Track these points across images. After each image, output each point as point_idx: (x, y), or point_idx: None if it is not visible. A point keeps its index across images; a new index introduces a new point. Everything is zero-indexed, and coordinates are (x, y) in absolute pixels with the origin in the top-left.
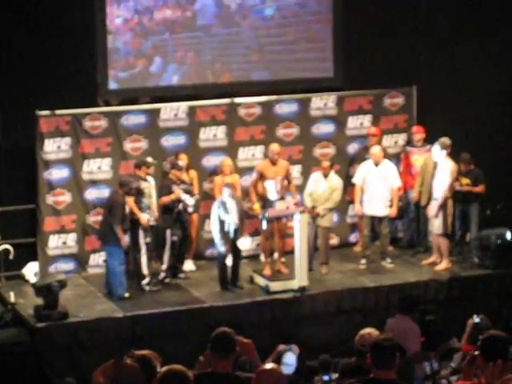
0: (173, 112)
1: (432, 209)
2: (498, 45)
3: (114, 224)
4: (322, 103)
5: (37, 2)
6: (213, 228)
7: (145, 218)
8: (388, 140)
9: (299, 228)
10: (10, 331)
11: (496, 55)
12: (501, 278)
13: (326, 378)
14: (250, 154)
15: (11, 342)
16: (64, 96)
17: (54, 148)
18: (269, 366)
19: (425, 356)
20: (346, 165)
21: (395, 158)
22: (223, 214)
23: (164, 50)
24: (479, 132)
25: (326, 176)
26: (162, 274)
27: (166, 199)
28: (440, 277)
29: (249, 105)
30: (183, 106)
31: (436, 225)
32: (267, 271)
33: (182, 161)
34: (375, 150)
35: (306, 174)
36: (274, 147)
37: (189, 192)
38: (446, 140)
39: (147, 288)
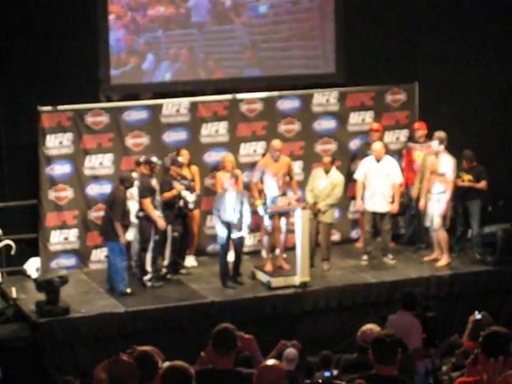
0: (174, 108)
1: (430, 205)
2: (500, 41)
3: (114, 220)
4: (324, 99)
5: None
6: (214, 219)
7: (163, 222)
8: (390, 136)
9: (301, 224)
10: (12, 326)
11: (498, 52)
12: (502, 274)
13: (327, 373)
14: (252, 150)
15: (13, 337)
16: (66, 91)
17: (56, 143)
18: (270, 362)
19: (426, 352)
20: (347, 161)
21: (397, 154)
22: (221, 206)
23: (157, 47)
24: (481, 128)
25: (327, 172)
26: (164, 270)
27: (168, 195)
28: (441, 273)
29: (250, 101)
30: (185, 101)
31: (436, 220)
32: (269, 267)
33: (183, 157)
34: (377, 146)
35: (307, 170)
36: (276, 143)
37: (190, 188)
38: (441, 134)
39: (149, 284)
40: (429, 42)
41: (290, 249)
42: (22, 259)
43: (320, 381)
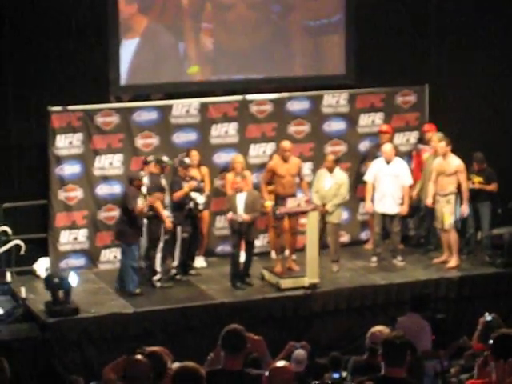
0: (184, 108)
1: (439, 206)
2: (510, 44)
3: (132, 211)
4: (334, 101)
5: None
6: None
7: (170, 223)
8: (400, 138)
9: (310, 225)
10: (21, 326)
11: (510, 55)
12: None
13: (336, 375)
14: (262, 151)
15: (22, 337)
16: (76, 92)
17: (66, 144)
18: (280, 363)
19: (435, 354)
20: (357, 162)
21: (407, 155)
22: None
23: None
24: (491, 130)
25: (330, 171)
26: (173, 271)
27: (179, 194)
28: (451, 275)
29: (260, 102)
30: (195, 102)
31: (447, 221)
32: (278, 268)
33: (192, 158)
34: (387, 147)
35: (317, 172)
36: (286, 144)
37: (199, 190)
38: (442, 136)
39: (158, 284)
40: (439, 43)
41: (299, 250)
42: (32, 259)
43: (329, 382)
